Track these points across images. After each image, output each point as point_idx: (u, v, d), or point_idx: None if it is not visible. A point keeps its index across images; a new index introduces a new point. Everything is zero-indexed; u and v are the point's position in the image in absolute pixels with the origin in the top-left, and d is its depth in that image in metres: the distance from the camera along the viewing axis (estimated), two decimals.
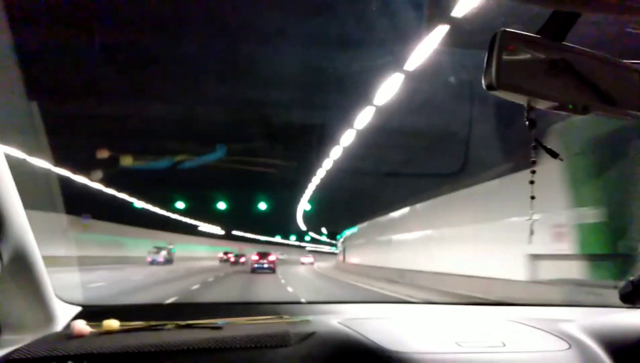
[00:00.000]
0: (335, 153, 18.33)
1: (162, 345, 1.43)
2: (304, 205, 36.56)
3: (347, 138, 16.13)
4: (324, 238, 64.37)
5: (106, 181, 23.62)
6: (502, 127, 10.57)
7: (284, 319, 1.75)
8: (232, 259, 44.74)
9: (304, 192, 29.50)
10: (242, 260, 42.47)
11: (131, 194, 30.12)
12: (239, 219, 47.63)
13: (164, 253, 36.87)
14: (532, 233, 1.24)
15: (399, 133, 14.88)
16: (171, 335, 1.51)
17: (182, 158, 18.06)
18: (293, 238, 68.32)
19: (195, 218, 46.24)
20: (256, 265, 30.33)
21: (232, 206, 35.53)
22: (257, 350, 1.47)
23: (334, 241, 57.50)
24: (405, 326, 1.79)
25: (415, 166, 17.97)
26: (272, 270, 29.97)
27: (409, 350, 1.47)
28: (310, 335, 1.56)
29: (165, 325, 1.60)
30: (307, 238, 68.64)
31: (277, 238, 66.39)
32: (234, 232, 55.97)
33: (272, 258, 31.25)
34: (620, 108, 1.11)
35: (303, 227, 54.99)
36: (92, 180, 21.77)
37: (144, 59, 10.43)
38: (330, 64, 10.23)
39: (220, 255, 48.65)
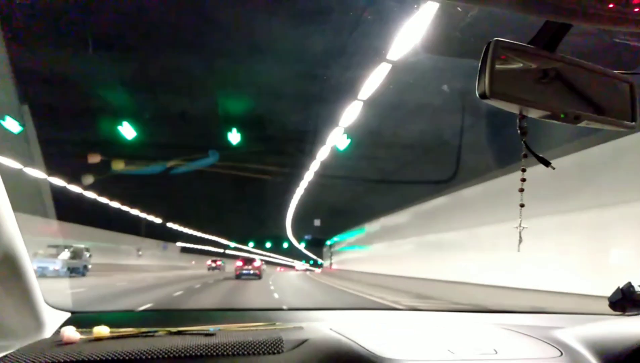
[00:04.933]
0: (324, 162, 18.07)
1: (154, 351, 1.41)
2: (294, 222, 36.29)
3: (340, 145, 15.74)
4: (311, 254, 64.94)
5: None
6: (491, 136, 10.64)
7: (277, 326, 1.75)
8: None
9: (292, 205, 29.45)
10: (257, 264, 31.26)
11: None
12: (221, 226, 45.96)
13: (65, 255, 21.86)
14: (520, 241, 1.25)
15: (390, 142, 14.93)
16: (163, 341, 1.50)
17: (173, 163, 17.94)
18: (283, 250, 68.16)
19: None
20: (244, 271, 29.79)
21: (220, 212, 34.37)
22: (250, 357, 1.47)
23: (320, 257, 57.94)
24: (398, 333, 1.79)
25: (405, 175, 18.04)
26: (257, 276, 29.38)
27: (401, 358, 1.47)
28: (303, 342, 1.56)
29: (157, 331, 1.59)
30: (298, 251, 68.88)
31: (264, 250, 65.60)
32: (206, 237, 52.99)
33: (256, 264, 30.49)
34: (611, 118, 1.12)
35: (295, 242, 54.75)
36: None
37: (137, 65, 10.43)
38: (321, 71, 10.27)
39: (209, 262, 48.28)
